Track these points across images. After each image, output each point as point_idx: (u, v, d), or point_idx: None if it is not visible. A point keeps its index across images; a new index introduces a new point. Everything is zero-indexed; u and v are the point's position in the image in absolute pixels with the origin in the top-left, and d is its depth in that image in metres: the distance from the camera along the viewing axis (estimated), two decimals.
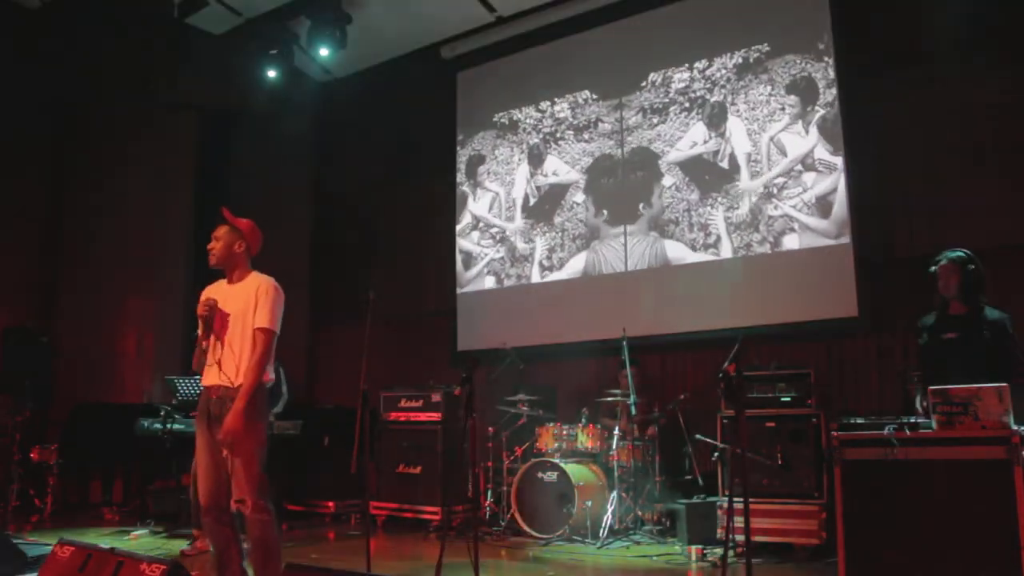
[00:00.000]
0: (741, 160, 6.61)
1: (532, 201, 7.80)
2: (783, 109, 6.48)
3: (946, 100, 5.83)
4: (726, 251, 6.59)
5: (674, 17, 7.14)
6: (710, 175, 6.76)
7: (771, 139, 6.49)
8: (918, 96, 5.96)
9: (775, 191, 6.41)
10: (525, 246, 7.80)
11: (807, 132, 6.32)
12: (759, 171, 6.51)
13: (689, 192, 6.84)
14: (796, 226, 6.27)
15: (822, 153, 6.23)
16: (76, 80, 8.45)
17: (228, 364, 3.49)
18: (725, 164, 6.69)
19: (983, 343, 3.95)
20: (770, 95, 6.55)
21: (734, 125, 6.71)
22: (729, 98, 6.76)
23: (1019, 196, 5.48)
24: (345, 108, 9.26)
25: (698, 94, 6.92)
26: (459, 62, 8.45)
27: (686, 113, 6.98)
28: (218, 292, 3.65)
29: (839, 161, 6.15)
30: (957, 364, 3.92)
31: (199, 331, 3.58)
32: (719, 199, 6.68)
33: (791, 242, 6.27)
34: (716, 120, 6.81)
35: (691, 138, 6.92)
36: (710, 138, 6.80)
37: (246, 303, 3.54)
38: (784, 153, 6.42)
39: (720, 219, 6.64)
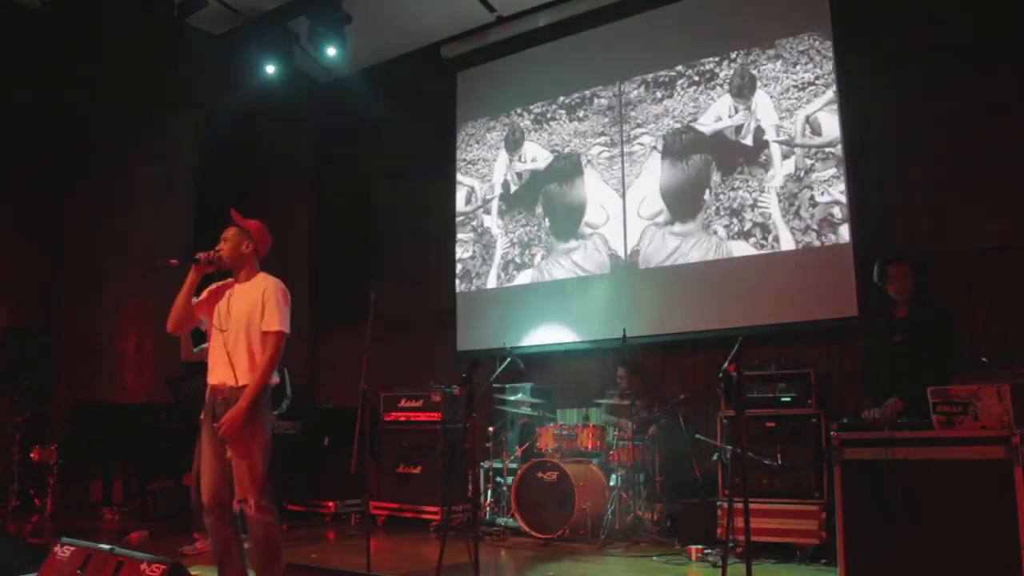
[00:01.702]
0: (771, 138, 6.47)
1: (513, 188, 7.85)
2: (809, 87, 6.35)
3: (946, 100, 5.83)
4: (771, 241, 6.42)
5: (676, 16, 7.13)
6: (733, 154, 6.63)
7: (807, 118, 6.34)
8: (918, 96, 5.96)
9: (802, 174, 6.27)
10: (501, 243, 7.86)
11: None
12: (790, 152, 6.36)
13: (709, 175, 6.73)
14: (837, 211, 6.08)
15: None
16: (76, 80, 8.45)
17: (233, 364, 3.50)
18: (749, 141, 6.58)
19: (928, 343, 3.95)
20: (789, 73, 6.45)
21: (760, 99, 6.58)
22: (753, 75, 6.66)
23: (1019, 196, 5.47)
24: (345, 108, 9.26)
25: (698, 91, 6.92)
26: (459, 62, 8.46)
27: (691, 95, 6.97)
28: (225, 290, 3.66)
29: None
30: (903, 366, 3.93)
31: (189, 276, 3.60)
32: (749, 182, 6.52)
33: (844, 232, 6.06)
34: (745, 92, 6.66)
35: (715, 111, 6.81)
36: (736, 111, 6.67)
37: (252, 304, 3.55)
38: (819, 134, 6.26)
39: (770, 205, 6.42)
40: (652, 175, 7.04)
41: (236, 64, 8.39)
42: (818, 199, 6.19)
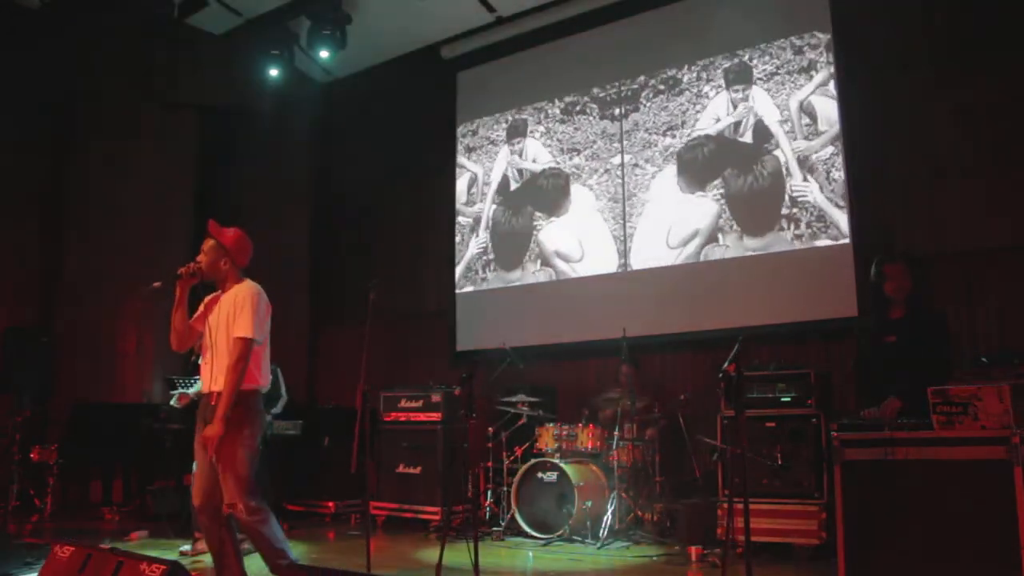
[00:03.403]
0: (776, 131, 6.45)
1: (513, 186, 7.84)
2: (800, 73, 6.38)
3: (946, 100, 5.83)
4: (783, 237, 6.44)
5: (677, 15, 7.13)
6: (735, 154, 6.63)
7: (800, 103, 6.35)
8: (918, 95, 5.96)
9: (804, 156, 6.26)
10: (475, 243, 7.91)
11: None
12: (794, 139, 6.35)
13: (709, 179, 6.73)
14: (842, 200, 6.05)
15: None
16: (76, 80, 8.45)
17: (217, 371, 3.55)
18: (748, 138, 6.57)
19: (922, 344, 3.95)
20: (786, 71, 6.46)
21: (757, 93, 6.60)
22: (750, 66, 6.67)
23: (1019, 196, 5.47)
24: (345, 108, 9.25)
25: (703, 90, 6.91)
26: (459, 62, 8.46)
27: (691, 102, 6.98)
28: (213, 301, 3.72)
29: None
30: (898, 367, 3.92)
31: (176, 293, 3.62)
32: (762, 179, 6.48)
33: (844, 232, 6.02)
34: (740, 83, 6.67)
35: (713, 112, 6.81)
36: (733, 109, 6.67)
37: (229, 313, 3.59)
38: (815, 119, 6.28)
39: (809, 191, 6.30)
40: (670, 195, 6.92)
41: (236, 64, 8.39)
42: (834, 176, 6.14)
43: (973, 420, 3.36)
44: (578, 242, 7.36)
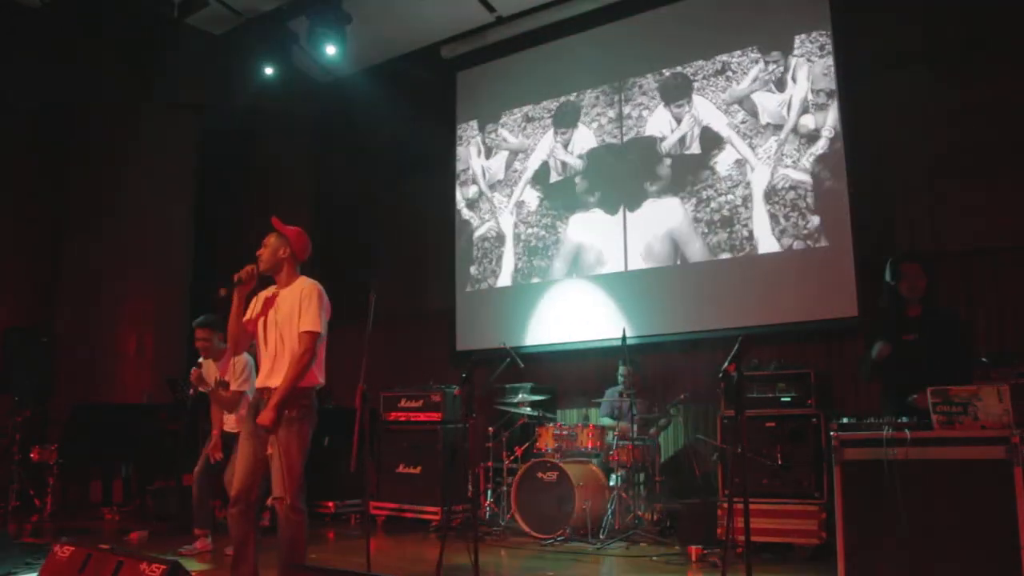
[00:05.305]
0: (723, 135, 6.60)
1: (554, 178, 7.64)
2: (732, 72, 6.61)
3: (946, 100, 5.83)
4: (736, 244, 6.53)
5: (678, 15, 7.12)
6: (691, 166, 6.72)
7: (740, 101, 6.53)
8: (918, 95, 5.96)
9: (766, 157, 6.37)
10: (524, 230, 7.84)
11: (793, 82, 6.33)
12: (743, 141, 6.48)
13: (686, 183, 6.81)
14: (808, 184, 6.15)
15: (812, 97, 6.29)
16: (76, 80, 8.45)
17: (278, 367, 3.60)
18: (696, 148, 6.69)
19: (942, 343, 3.95)
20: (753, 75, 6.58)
21: (698, 102, 6.73)
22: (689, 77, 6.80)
23: (1019, 196, 5.47)
24: (345, 108, 9.25)
25: (703, 88, 6.92)
26: (459, 62, 8.46)
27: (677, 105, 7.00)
28: (272, 299, 3.78)
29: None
30: (917, 365, 3.92)
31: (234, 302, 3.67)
32: (716, 186, 6.60)
33: (845, 232, 6.05)
34: (680, 97, 6.83)
35: (656, 130, 6.94)
36: (677, 124, 6.80)
37: (292, 307, 3.68)
38: (756, 115, 6.45)
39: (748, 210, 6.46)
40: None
41: (236, 64, 8.39)
42: (803, 164, 6.23)
43: (973, 420, 3.37)
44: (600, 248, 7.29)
